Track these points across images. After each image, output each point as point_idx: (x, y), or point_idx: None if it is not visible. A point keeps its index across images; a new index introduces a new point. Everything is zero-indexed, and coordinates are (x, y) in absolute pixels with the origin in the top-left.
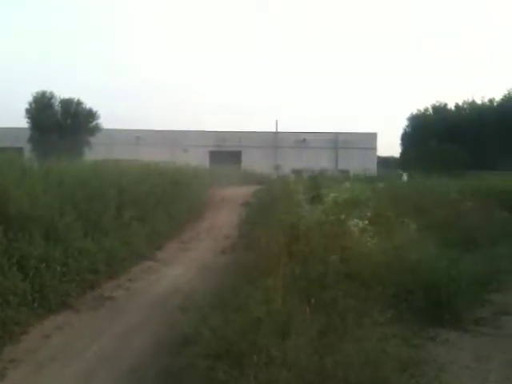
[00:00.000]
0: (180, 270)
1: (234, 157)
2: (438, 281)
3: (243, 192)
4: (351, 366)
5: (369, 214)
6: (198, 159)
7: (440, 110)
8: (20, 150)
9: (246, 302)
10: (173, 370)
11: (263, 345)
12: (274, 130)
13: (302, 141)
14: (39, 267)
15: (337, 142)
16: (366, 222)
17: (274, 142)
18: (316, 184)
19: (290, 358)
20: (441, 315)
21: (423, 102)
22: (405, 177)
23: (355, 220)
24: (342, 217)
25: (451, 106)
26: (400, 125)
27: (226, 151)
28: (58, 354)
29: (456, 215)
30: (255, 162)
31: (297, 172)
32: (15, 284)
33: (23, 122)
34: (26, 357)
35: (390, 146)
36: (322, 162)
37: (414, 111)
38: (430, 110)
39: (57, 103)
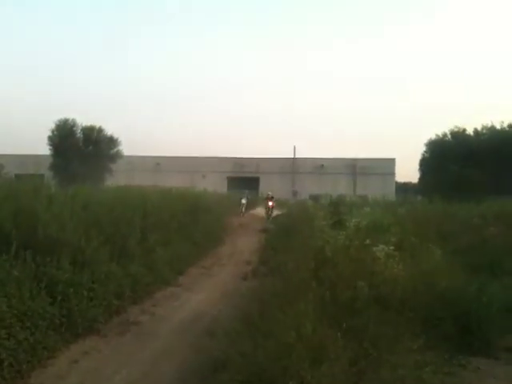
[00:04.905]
0: (203, 295)
1: (252, 182)
2: (468, 307)
3: (262, 217)
4: None
5: (393, 239)
6: (216, 185)
7: (459, 136)
8: (41, 176)
9: (275, 327)
10: None
11: (296, 370)
12: (291, 156)
13: (319, 166)
14: (67, 292)
15: (355, 168)
16: (392, 247)
17: (292, 167)
18: (337, 209)
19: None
20: (471, 342)
21: (441, 127)
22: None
23: (380, 245)
24: (367, 242)
25: (470, 131)
26: (418, 150)
27: (244, 177)
28: (87, 379)
29: (481, 240)
30: (273, 188)
31: (314, 198)
32: (44, 308)
33: (43, 149)
34: (55, 382)
35: (408, 171)
36: (340, 187)
37: (433, 137)
38: (449, 136)
39: (79, 130)
